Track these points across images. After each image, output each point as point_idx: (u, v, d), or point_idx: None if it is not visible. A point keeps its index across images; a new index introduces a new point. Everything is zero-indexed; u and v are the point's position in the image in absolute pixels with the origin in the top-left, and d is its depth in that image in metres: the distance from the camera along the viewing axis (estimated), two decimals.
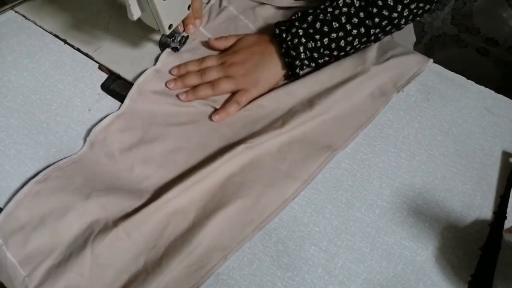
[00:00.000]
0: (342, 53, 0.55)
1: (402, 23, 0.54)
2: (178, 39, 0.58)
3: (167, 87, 0.57)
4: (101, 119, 0.54)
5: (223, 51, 0.60)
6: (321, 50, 0.54)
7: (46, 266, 0.44)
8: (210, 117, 0.55)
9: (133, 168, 0.51)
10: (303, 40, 0.53)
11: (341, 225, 0.48)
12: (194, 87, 0.56)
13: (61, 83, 0.57)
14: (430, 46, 1.20)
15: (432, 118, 0.56)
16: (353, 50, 0.56)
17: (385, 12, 0.51)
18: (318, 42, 0.53)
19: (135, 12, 0.48)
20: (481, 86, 0.59)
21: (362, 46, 0.56)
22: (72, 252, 0.45)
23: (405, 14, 0.52)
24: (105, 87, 0.57)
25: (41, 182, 0.49)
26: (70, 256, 0.44)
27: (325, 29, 0.53)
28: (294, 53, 0.53)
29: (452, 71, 0.60)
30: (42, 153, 0.52)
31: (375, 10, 0.51)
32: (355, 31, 0.53)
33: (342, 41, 0.53)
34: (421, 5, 0.52)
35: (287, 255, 0.46)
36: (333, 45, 0.54)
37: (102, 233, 0.45)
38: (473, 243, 0.47)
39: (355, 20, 0.52)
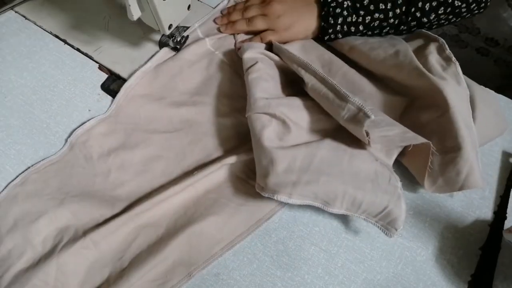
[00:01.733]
0: (370, 33, 0.58)
1: (427, 27, 0.57)
2: (178, 39, 0.58)
3: (215, 22, 0.62)
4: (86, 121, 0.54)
5: None
6: (359, 27, 0.56)
7: (15, 270, 0.43)
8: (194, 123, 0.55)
9: (109, 173, 0.50)
10: (345, 12, 0.54)
11: (341, 225, 0.48)
12: (234, 22, 0.60)
13: (61, 83, 0.57)
14: None
15: None
16: (378, 31, 0.57)
17: (418, 14, 0.54)
18: (360, 18, 0.55)
19: (135, 12, 0.48)
20: (481, 86, 0.58)
21: (383, 34, 0.58)
22: (41, 258, 0.44)
23: (433, 21, 0.56)
24: (105, 87, 0.57)
25: (19, 185, 0.49)
26: (38, 262, 0.44)
27: (370, 7, 0.54)
28: (332, 21, 0.55)
29: None
30: (42, 153, 0.52)
31: (413, 9, 0.54)
32: (391, 20, 0.55)
33: (378, 23, 0.55)
34: (450, 17, 0.56)
35: (287, 255, 0.46)
36: (370, 25, 0.55)
37: (70, 242, 0.44)
38: (473, 243, 0.47)
39: (398, 11, 0.54)
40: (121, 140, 0.52)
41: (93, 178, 0.50)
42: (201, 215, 0.47)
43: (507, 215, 0.48)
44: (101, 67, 0.59)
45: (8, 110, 0.55)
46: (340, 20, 0.55)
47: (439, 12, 0.54)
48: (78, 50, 0.60)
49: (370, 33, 0.57)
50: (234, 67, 0.58)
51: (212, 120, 0.55)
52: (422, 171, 0.47)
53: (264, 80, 0.51)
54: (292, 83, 0.54)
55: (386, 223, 0.44)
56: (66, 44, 0.61)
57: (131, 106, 0.55)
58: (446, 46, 0.51)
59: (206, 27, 0.63)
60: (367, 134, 0.43)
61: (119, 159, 0.51)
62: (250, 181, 0.49)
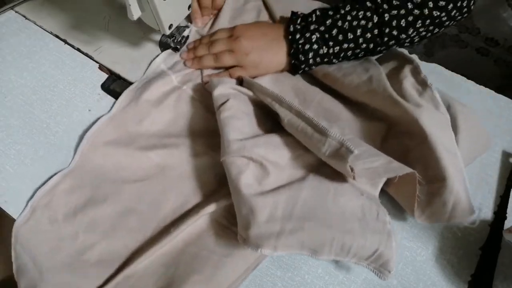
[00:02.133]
0: (345, 62, 0.56)
1: (407, 42, 0.54)
2: (178, 39, 0.58)
3: (181, 57, 0.59)
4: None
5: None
6: (331, 57, 0.54)
7: None
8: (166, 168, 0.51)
9: (77, 235, 0.46)
10: (315, 46, 0.52)
11: None
12: (201, 57, 0.58)
13: (61, 83, 0.57)
14: (430, 46, 1.20)
15: None
16: (353, 57, 0.55)
17: (395, 33, 0.51)
18: (331, 49, 0.53)
19: (135, 12, 0.48)
20: (481, 86, 0.59)
21: (360, 58, 0.56)
22: None
23: (412, 35, 0.52)
24: (105, 87, 0.57)
25: None
26: None
27: (340, 38, 0.52)
28: (303, 58, 0.53)
29: (452, 71, 0.60)
30: (42, 153, 0.52)
31: (387, 30, 0.51)
32: (364, 45, 0.53)
33: (350, 51, 0.53)
34: (430, 28, 0.52)
35: (287, 255, 0.46)
36: (342, 54, 0.54)
37: None
38: (473, 243, 0.47)
39: (368, 35, 0.52)
40: (88, 195, 0.48)
41: (60, 242, 0.46)
42: (183, 274, 0.44)
43: (507, 215, 0.48)
44: (101, 67, 0.59)
45: (8, 110, 0.55)
46: (310, 54, 0.53)
47: (417, 25, 0.51)
48: (78, 50, 0.60)
49: (345, 61, 0.56)
50: (205, 102, 0.54)
51: (186, 162, 0.51)
52: (410, 201, 0.45)
53: (237, 119, 0.47)
54: (268, 117, 0.51)
55: (379, 266, 0.42)
56: (66, 44, 0.61)
57: (96, 156, 0.51)
58: (421, 68, 0.49)
59: (171, 62, 0.59)
60: (352, 169, 0.40)
61: (87, 217, 0.47)
62: (233, 227, 0.46)
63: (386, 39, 0.52)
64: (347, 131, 0.49)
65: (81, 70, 0.59)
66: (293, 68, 0.55)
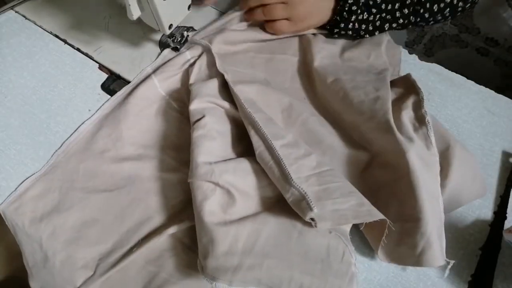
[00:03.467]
0: (378, 33, 0.58)
1: (432, 23, 0.59)
2: (178, 39, 0.58)
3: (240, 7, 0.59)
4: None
5: None
6: (369, 26, 0.56)
7: None
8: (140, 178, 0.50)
9: (41, 243, 0.45)
10: (359, 11, 0.55)
11: None
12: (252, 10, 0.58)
13: (61, 83, 0.57)
14: (430, 46, 1.20)
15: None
16: (387, 29, 0.58)
17: (427, 15, 0.56)
18: (371, 16, 0.55)
19: (135, 12, 0.48)
20: (481, 86, 0.59)
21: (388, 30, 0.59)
22: None
23: (438, 19, 0.57)
24: (105, 87, 0.57)
25: None
26: None
27: (382, 6, 0.55)
28: (346, 16, 0.55)
29: (452, 71, 0.60)
30: (42, 153, 0.52)
31: (422, 10, 0.55)
32: (400, 20, 0.56)
33: (387, 24, 0.56)
34: (447, 15, 0.57)
35: None
36: (378, 23, 0.56)
37: None
38: (473, 243, 0.47)
39: (405, 11, 0.55)
40: (55, 201, 0.48)
41: (28, 248, 0.46)
42: None
43: (507, 215, 0.48)
44: (101, 67, 0.59)
45: (8, 110, 0.55)
46: (353, 17, 0.55)
47: (445, 13, 0.56)
48: (78, 50, 0.60)
49: (377, 32, 0.58)
50: (187, 114, 0.51)
51: (157, 176, 0.49)
52: (375, 240, 0.44)
53: (210, 139, 0.45)
54: (246, 135, 0.48)
55: None
56: (66, 44, 0.61)
57: (70, 162, 0.50)
58: (424, 103, 0.48)
59: (158, 66, 0.58)
60: (313, 220, 0.38)
61: (51, 225, 0.46)
62: (196, 248, 0.43)
63: (418, 19, 0.56)
64: (328, 157, 0.48)
65: (81, 70, 0.59)
66: (333, 24, 0.57)
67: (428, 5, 0.55)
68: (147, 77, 0.56)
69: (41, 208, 0.47)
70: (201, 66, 0.56)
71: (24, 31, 0.62)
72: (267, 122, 0.46)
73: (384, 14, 0.55)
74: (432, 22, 0.58)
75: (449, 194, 0.44)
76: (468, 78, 0.60)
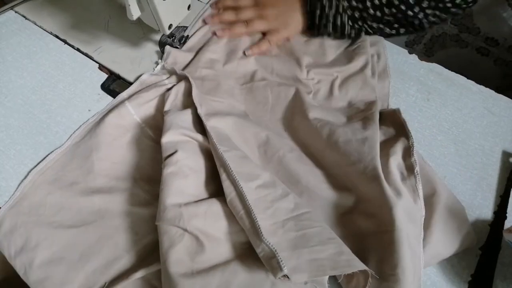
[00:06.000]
0: (357, 27, 0.58)
1: (417, 24, 0.56)
2: (178, 39, 0.58)
3: (204, 22, 0.60)
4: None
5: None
6: (342, 13, 0.56)
7: None
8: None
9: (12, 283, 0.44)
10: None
11: None
12: (230, 24, 0.60)
13: (61, 83, 0.57)
14: (430, 46, 1.20)
15: (432, 118, 0.56)
16: (375, 23, 0.57)
17: (403, 7, 0.54)
18: (345, 2, 0.55)
19: (135, 12, 0.48)
20: (481, 86, 0.59)
21: (371, 32, 0.59)
22: None
23: (419, 16, 0.55)
24: (105, 87, 0.57)
25: None
26: None
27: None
28: (320, 6, 0.56)
29: (452, 70, 0.60)
30: (42, 153, 0.52)
31: (396, 2, 0.54)
32: (371, 11, 0.55)
33: (365, 13, 0.56)
34: (437, 12, 0.55)
35: None
36: (355, 12, 0.56)
37: None
38: None
39: (376, 1, 0.55)
40: (23, 239, 0.45)
41: None
42: None
43: (507, 215, 0.48)
44: (101, 67, 0.59)
45: (8, 110, 0.55)
46: (325, 8, 0.56)
47: (423, 5, 0.54)
48: (78, 50, 0.60)
49: (356, 23, 0.57)
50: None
51: (128, 210, 0.47)
52: None
53: (181, 177, 0.43)
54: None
55: None
56: (66, 44, 0.61)
57: (37, 194, 0.48)
58: (414, 150, 0.45)
59: (133, 92, 0.55)
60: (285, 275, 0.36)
61: (22, 264, 0.44)
62: None
63: (394, 10, 0.55)
64: (305, 198, 0.46)
65: (81, 70, 0.59)
66: (310, 18, 0.58)
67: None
68: (121, 103, 0.53)
69: (12, 246, 0.45)
70: (177, 92, 0.53)
71: (24, 31, 0.62)
72: (242, 161, 0.44)
73: (353, 2, 0.55)
74: (416, 21, 0.56)
75: (430, 246, 0.42)
76: (468, 78, 0.60)
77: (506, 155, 0.53)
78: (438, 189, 0.43)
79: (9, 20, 0.63)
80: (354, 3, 0.55)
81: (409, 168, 0.45)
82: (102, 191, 0.48)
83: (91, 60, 0.60)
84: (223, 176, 0.43)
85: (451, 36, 1.13)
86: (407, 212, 0.41)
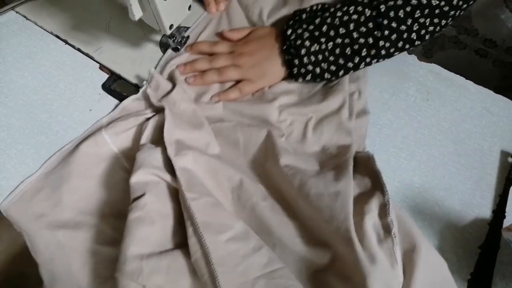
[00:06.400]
0: (350, 64, 0.53)
1: (414, 38, 0.51)
2: (179, 40, 0.58)
3: (179, 71, 0.56)
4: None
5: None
6: (326, 54, 0.52)
7: None
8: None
9: None
10: (307, 43, 0.52)
11: None
12: (202, 72, 0.57)
13: (62, 83, 0.58)
14: (429, 48, 1.20)
15: (431, 118, 0.56)
16: (363, 63, 0.53)
17: (394, 24, 0.50)
18: (323, 45, 0.52)
19: (137, 12, 0.48)
20: (480, 86, 0.59)
21: (374, 60, 0.53)
22: None
23: (415, 28, 0.50)
24: (106, 87, 0.57)
25: None
26: None
27: (331, 33, 0.52)
28: (295, 53, 0.53)
29: (451, 72, 0.61)
30: (43, 152, 0.52)
31: (385, 21, 0.50)
32: (362, 40, 0.51)
33: (348, 48, 0.52)
34: (435, 20, 0.50)
35: None
36: (337, 50, 0.52)
37: None
38: (472, 241, 0.47)
39: (363, 29, 0.51)
40: None
41: None
42: None
43: (505, 213, 0.49)
44: (102, 67, 0.59)
45: (9, 110, 0.55)
46: (303, 51, 0.52)
47: (416, 16, 0.49)
48: (79, 50, 0.61)
49: (349, 63, 0.53)
50: None
51: (92, 249, 0.44)
52: None
53: (148, 223, 0.40)
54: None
55: None
56: (67, 45, 0.61)
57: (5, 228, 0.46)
58: (390, 209, 0.41)
59: (111, 119, 0.53)
60: None
61: None
62: None
63: (387, 32, 0.50)
64: (278, 250, 0.43)
65: (81, 70, 0.59)
66: (289, 66, 0.54)
67: (391, 13, 0.49)
68: (98, 130, 0.51)
69: None
70: (155, 124, 0.50)
71: (25, 31, 0.62)
72: (212, 210, 0.42)
73: (338, 40, 0.51)
74: (412, 36, 0.51)
75: None
76: (467, 79, 0.60)
77: (504, 154, 0.53)
78: (418, 243, 0.40)
79: (10, 20, 0.63)
80: (338, 40, 0.51)
81: (386, 228, 0.41)
82: (68, 226, 0.45)
83: (91, 60, 0.60)
84: (190, 231, 0.40)
85: (449, 37, 1.14)
86: (383, 281, 0.38)
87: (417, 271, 0.38)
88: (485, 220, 0.49)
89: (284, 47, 0.54)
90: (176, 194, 0.44)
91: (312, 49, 0.52)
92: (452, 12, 0.50)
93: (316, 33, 0.52)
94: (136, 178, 0.43)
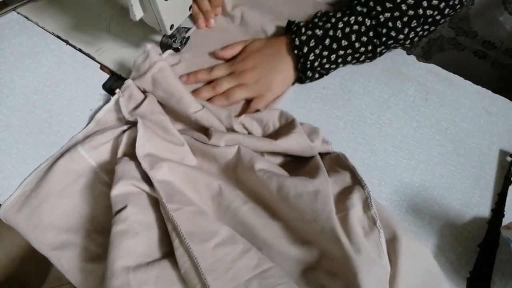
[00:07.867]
0: (348, 65, 0.58)
1: (407, 43, 0.56)
2: (179, 40, 0.59)
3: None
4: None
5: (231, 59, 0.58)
6: (331, 66, 0.56)
7: None
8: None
9: None
10: (316, 57, 0.54)
11: None
12: (209, 100, 0.54)
13: (63, 83, 0.58)
14: (427, 49, 1.21)
15: (431, 117, 0.56)
16: (355, 61, 0.58)
17: (393, 34, 0.53)
18: (325, 59, 0.54)
19: (137, 13, 0.49)
20: (479, 86, 0.59)
21: (368, 61, 0.58)
22: None
23: (411, 36, 0.54)
24: (106, 87, 0.58)
25: None
26: None
27: (334, 46, 0.54)
28: (309, 66, 0.54)
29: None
30: (44, 152, 0.52)
31: (384, 30, 0.53)
32: (362, 49, 0.55)
33: (350, 57, 0.55)
34: (426, 27, 0.54)
35: None
36: (340, 60, 0.55)
37: None
38: (472, 240, 0.48)
39: (364, 39, 0.54)
40: None
41: None
42: None
43: (504, 212, 0.49)
44: (103, 67, 0.60)
45: (10, 109, 0.55)
46: (308, 50, 0.53)
47: (413, 25, 0.52)
48: (80, 50, 0.61)
49: (342, 65, 0.57)
50: None
51: (78, 267, 0.43)
52: None
53: (131, 235, 0.40)
54: None
55: None
56: (67, 45, 0.61)
57: None
58: (372, 202, 0.42)
59: (90, 131, 0.52)
60: None
61: None
62: None
63: (384, 39, 0.54)
64: (264, 253, 0.42)
65: (82, 70, 0.59)
66: (300, 80, 0.57)
67: (390, 23, 0.52)
68: (73, 146, 0.50)
69: None
70: (130, 137, 0.49)
71: (26, 32, 0.62)
72: (196, 218, 0.41)
73: (341, 52, 0.54)
74: (407, 42, 0.56)
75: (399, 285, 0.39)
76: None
77: (503, 153, 0.54)
78: (397, 233, 0.40)
79: (11, 21, 0.64)
80: (340, 52, 0.54)
81: (371, 221, 0.41)
82: (52, 247, 0.44)
83: (92, 61, 0.60)
84: (176, 242, 0.39)
85: (448, 39, 1.15)
86: (371, 274, 0.38)
87: (400, 260, 0.39)
88: (484, 218, 0.49)
89: (299, 65, 0.54)
90: (158, 204, 0.43)
91: (323, 61, 0.55)
92: (442, 20, 0.54)
93: (320, 47, 0.54)
94: (117, 191, 0.42)
